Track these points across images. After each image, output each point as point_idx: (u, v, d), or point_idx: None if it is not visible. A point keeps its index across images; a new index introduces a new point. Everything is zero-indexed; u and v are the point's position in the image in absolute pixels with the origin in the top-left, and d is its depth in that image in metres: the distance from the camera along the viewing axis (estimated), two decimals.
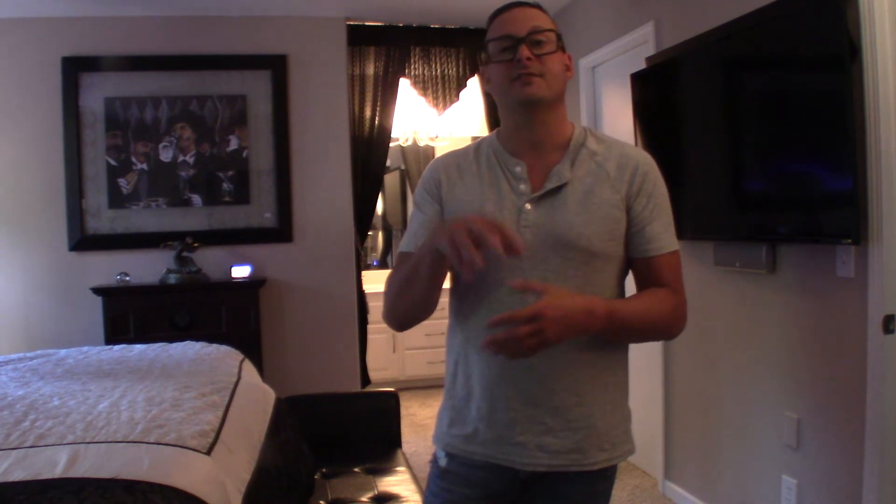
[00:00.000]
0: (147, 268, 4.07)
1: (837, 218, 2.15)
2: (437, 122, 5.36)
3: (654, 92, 3.16)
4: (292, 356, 4.29)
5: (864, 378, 2.12)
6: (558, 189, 1.28)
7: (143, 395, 2.10)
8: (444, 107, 4.68)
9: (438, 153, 5.50)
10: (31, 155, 4.05)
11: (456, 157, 1.39)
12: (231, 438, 1.93)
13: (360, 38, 4.47)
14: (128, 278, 4.02)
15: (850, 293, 2.18)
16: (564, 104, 1.35)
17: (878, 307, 2.06)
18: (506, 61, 1.26)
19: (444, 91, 4.66)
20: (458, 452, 1.34)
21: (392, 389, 2.91)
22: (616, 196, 1.28)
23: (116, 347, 3.03)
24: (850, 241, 2.06)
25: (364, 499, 2.21)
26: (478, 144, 1.40)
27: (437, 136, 5.64)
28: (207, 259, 4.11)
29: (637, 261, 1.31)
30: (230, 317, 3.98)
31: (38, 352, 2.95)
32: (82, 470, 1.53)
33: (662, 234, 1.30)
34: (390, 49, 4.52)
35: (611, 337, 1.26)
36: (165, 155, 4.17)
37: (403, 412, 3.02)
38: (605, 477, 1.34)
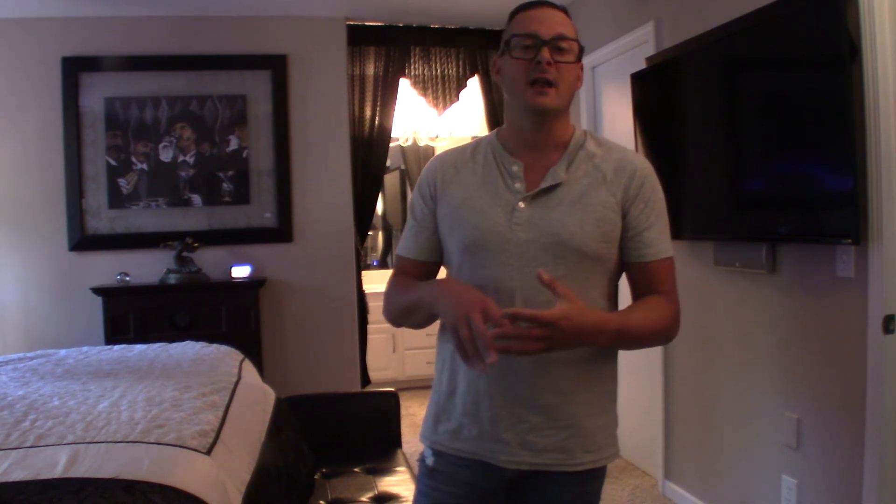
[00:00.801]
0: (147, 268, 4.07)
1: (837, 218, 2.14)
2: (437, 122, 5.36)
3: (654, 92, 3.16)
4: (292, 356, 4.29)
5: (863, 378, 2.12)
6: (552, 189, 1.28)
7: (143, 395, 2.10)
8: (444, 107, 4.68)
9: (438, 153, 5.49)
10: (31, 155, 4.05)
11: (454, 154, 1.40)
12: (231, 438, 1.92)
13: (360, 38, 4.47)
14: (128, 278, 4.02)
15: (849, 293, 2.18)
16: (569, 110, 1.35)
17: (877, 307, 2.06)
18: (525, 59, 1.26)
19: (443, 91, 4.65)
20: (445, 450, 1.35)
21: (392, 389, 2.91)
22: (612, 199, 1.28)
23: (116, 347, 3.03)
24: (850, 241, 2.06)
25: (364, 499, 2.21)
26: (477, 143, 1.41)
27: (436, 136, 5.64)
28: (207, 259, 4.11)
29: (633, 265, 1.31)
30: (230, 317, 3.98)
31: (38, 352, 2.95)
32: (82, 470, 1.53)
33: (659, 239, 1.30)
34: (390, 49, 4.51)
35: (610, 347, 1.28)
36: (165, 155, 4.17)
37: (403, 412, 3.02)
38: (593, 479, 1.34)
